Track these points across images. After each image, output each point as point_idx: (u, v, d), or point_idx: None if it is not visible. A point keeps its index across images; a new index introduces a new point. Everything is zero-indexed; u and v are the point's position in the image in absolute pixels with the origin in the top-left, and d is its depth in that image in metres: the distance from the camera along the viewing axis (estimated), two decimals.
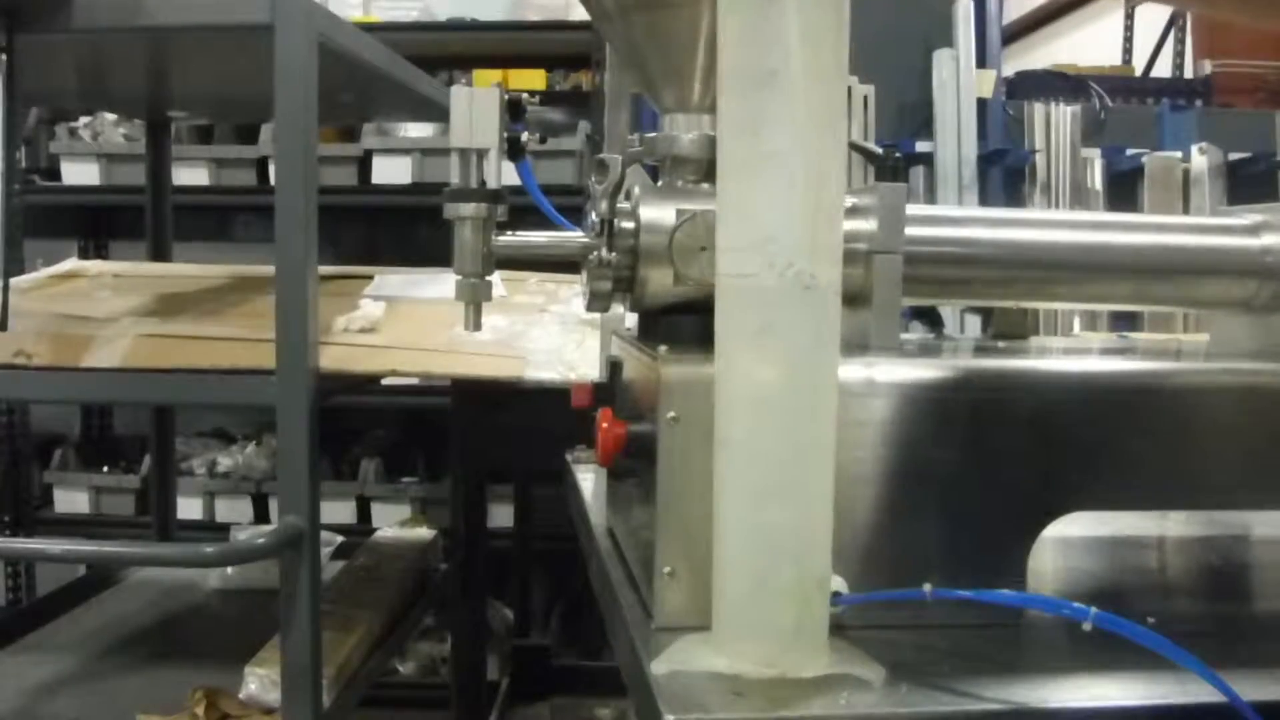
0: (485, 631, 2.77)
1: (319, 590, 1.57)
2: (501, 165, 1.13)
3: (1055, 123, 3.58)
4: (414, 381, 2.89)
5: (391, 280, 2.05)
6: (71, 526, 3.56)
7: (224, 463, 3.62)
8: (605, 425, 1.02)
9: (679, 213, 1.05)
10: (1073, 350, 1.40)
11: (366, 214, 3.75)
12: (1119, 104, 3.75)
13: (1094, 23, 6.02)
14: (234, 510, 3.56)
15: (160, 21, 1.48)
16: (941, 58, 3.53)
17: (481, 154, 1.10)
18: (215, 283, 2.14)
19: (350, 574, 2.16)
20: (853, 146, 3.54)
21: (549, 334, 1.85)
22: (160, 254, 2.44)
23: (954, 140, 3.49)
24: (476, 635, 2.61)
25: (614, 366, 1.24)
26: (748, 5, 0.82)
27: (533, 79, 3.69)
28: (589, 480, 1.50)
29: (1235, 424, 1.04)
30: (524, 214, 1.27)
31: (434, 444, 3.60)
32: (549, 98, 3.75)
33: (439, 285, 1.92)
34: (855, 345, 1.05)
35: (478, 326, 1.15)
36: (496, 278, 1.15)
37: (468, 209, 1.09)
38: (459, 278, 1.11)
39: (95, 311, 1.81)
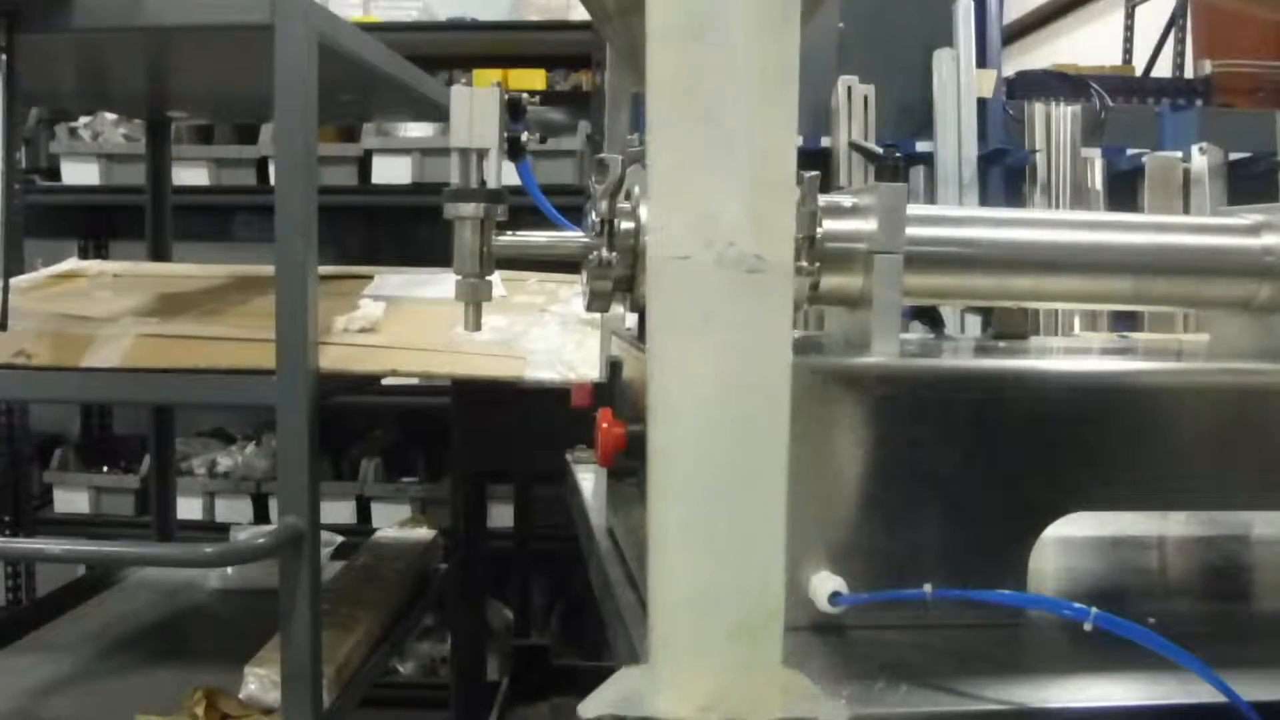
0: (485, 631, 2.77)
1: (319, 590, 1.57)
2: (501, 165, 1.13)
3: (1055, 123, 3.58)
4: (414, 381, 2.90)
5: (391, 280, 2.05)
6: (71, 526, 3.56)
7: (224, 463, 3.62)
8: (605, 425, 1.02)
9: None
10: (1073, 350, 1.40)
11: (366, 214, 3.76)
12: (1119, 104, 3.75)
13: (1094, 23, 6.02)
14: (234, 510, 3.56)
15: (160, 21, 1.48)
16: (941, 58, 3.53)
17: (481, 154, 1.10)
18: (215, 283, 2.14)
19: (350, 574, 2.16)
20: (853, 146, 3.54)
21: (549, 334, 1.85)
22: (160, 254, 2.44)
23: (954, 140, 3.49)
24: (476, 635, 2.61)
25: (614, 366, 1.23)
26: None
27: (533, 79, 3.69)
28: (589, 480, 1.50)
29: (1235, 424, 1.04)
30: (524, 214, 1.27)
31: (434, 444, 3.60)
32: (549, 98, 3.75)
33: (439, 285, 1.92)
34: (855, 345, 1.05)
35: (478, 326, 1.15)
36: (496, 278, 1.15)
37: (468, 209, 1.09)
38: (459, 278, 1.11)
39: (95, 311, 1.81)
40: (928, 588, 0.87)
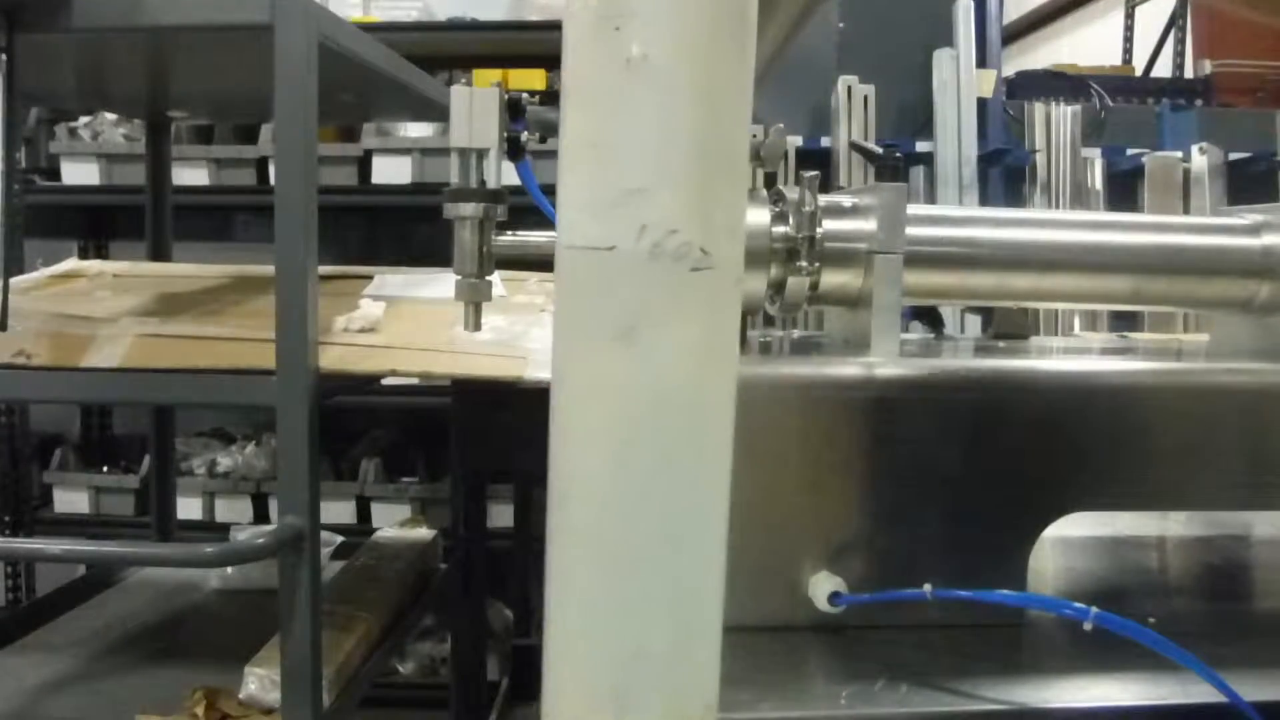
0: (485, 631, 2.76)
1: (319, 590, 1.57)
2: (501, 165, 1.13)
3: (1055, 123, 3.59)
4: (414, 381, 2.89)
5: (391, 280, 2.05)
6: (71, 526, 3.56)
7: (224, 463, 3.62)
8: None
9: None
10: (1073, 350, 1.40)
11: (366, 214, 3.75)
12: (1119, 104, 3.76)
13: (1094, 23, 6.02)
14: (234, 510, 3.56)
15: (160, 21, 1.48)
16: (941, 58, 3.53)
17: (481, 154, 1.10)
18: (215, 283, 2.14)
19: (350, 574, 2.16)
20: (853, 146, 3.54)
21: (549, 334, 1.85)
22: (160, 254, 2.44)
23: (954, 140, 3.49)
24: (476, 635, 2.61)
25: None
26: None
27: (533, 79, 3.69)
28: None
29: (1235, 424, 1.04)
30: (524, 214, 1.27)
31: (434, 444, 3.60)
32: (549, 98, 3.74)
33: (439, 285, 1.92)
34: (855, 345, 1.05)
35: (478, 326, 1.15)
36: (496, 278, 1.15)
37: (468, 209, 1.09)
38: (459, 278, 1.11)
39: (95, 311, 1.81)
40: (927, 588, 0.87)
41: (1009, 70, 3.93)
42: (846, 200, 1.12)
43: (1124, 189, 3.62)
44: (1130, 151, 3.61)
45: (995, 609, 0.90)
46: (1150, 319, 2.98)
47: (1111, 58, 4.87)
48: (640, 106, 0.51)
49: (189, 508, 3.42)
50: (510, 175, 1.18)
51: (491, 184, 1.11)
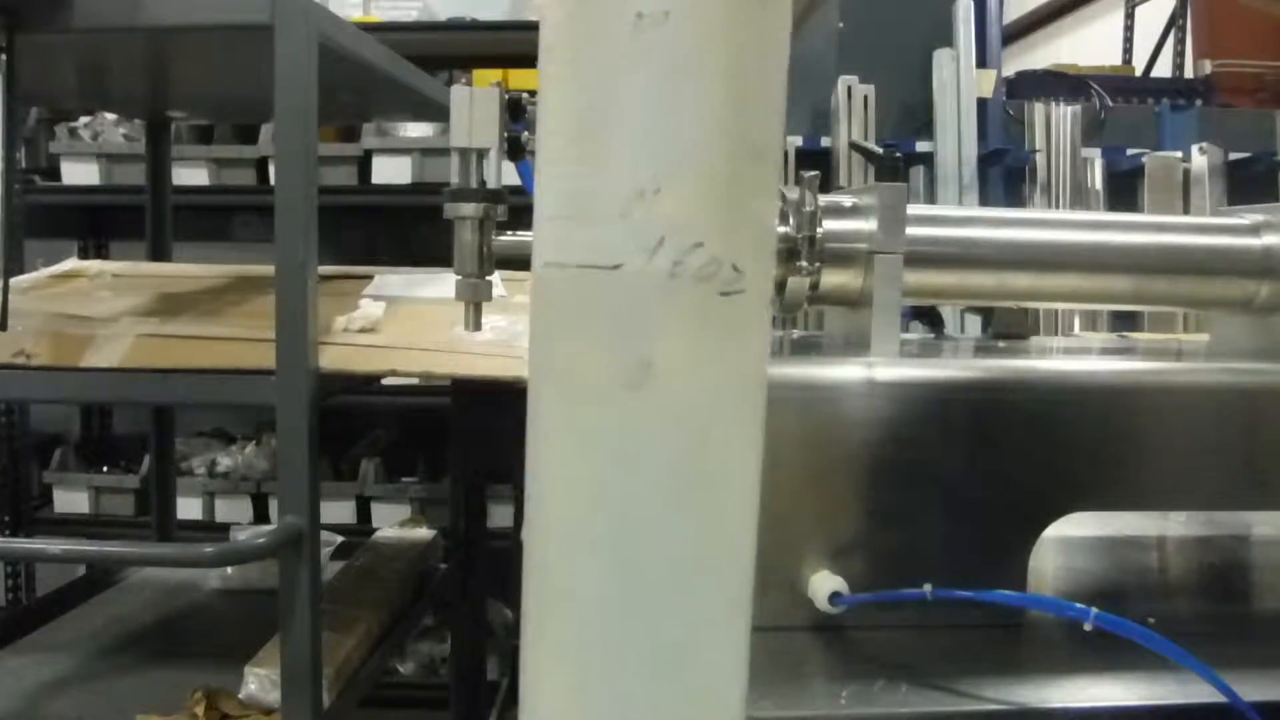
0: (485, 631, 2.76)
1: (319, 590, 1.57)
2: (501, 165, 1.13)
3: (1055, 123, 3.58)
4: (414, 381, 2.89)
5: (391, 280, 2.05)
6: (71, 526, 3.56)
7: (224, 463, 3.62)
8: None
9: None
10: (1073, 350, 1.40)
11: (366, 214, 3.75)
12: (1119, 104, 3.76)
13: (1094, 23, 6.02)
14: (234, 510, 3.56)
15: (160, 21, 1.48)
16: (941, 58, 3.53)
17: (481, 154, 1.10)
18: (215, 283, 2.14)
19: (350, 574, 2.16)
20: (853, 146, 3.54)
21: None
22: (160, 254, 2.44)
23: (954, 140, 3.49)
24: (476, 635, 2.61)
25: None
26: None
27: (533, 79, 3.63)
28: None
29: (1235, 424, 1.04)
30: (524, 214, 1.26)
31: (434, 444, 3.60)
32: None
33: (439, 285, 1.92)
34: (855, 345, 1.05)
35: (478, 326, 1.15)
36: (496, 278, 1.15)
37: (468, 209, 1.09)
38: (459, 278, 1.11)
39: (95, 311, 1.81)
40: (928, 588, 0.87)
41: (1009, 70, 3.93)
42: (846, 200, 1.12)
43: (1124, 189, 3.62)
44: (1130, 151, 3.61)
45: (995, 609, 0.90)
46: (1150, 319, 2.98)
47: (1111, 58, 4.87)
48: (654, 83, 0.38)
49: (189, 508, 3.42)
50: (510, 175, 1.18)
51: (492, 184, 1.11)
